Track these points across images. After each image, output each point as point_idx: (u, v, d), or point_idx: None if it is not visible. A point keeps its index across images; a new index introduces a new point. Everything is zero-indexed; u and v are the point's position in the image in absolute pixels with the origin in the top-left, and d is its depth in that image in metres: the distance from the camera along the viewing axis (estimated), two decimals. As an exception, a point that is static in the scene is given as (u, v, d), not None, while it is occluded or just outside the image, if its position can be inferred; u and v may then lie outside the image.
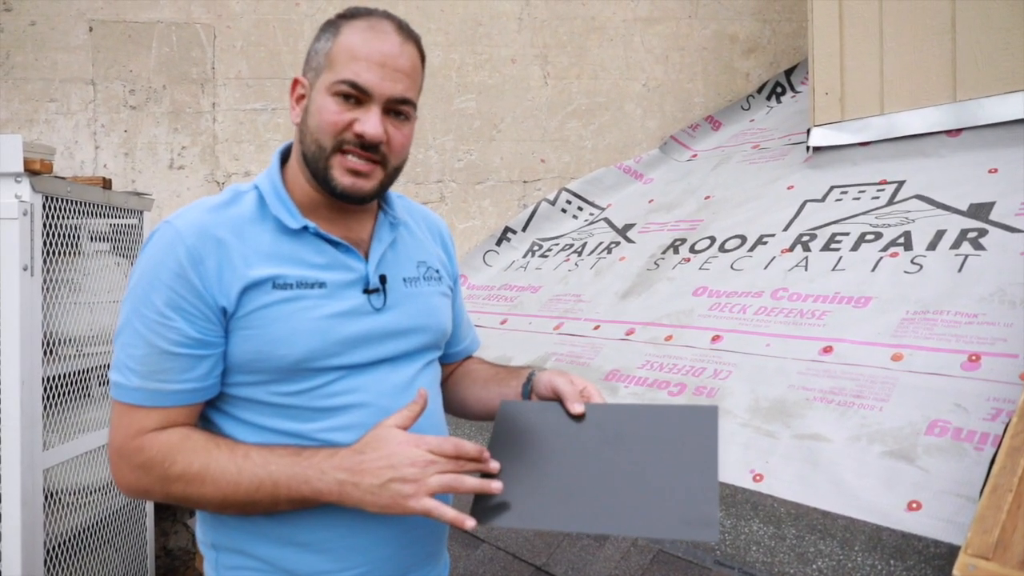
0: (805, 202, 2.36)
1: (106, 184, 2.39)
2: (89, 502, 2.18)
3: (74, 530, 2.08)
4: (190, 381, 0.85)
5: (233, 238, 0.87)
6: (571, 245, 3.06)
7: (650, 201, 3.09)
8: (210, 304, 0.84)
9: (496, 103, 3.37)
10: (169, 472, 0.83)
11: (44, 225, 1.92)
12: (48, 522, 1.93)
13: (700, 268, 2.32)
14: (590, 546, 1.50)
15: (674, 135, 3.47)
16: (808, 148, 2.58)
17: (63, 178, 2.07)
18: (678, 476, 0.83)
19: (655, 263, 2.52)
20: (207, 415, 0.91)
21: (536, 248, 3.21)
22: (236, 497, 0.83)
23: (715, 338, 1.95)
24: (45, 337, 1.93)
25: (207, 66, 3.14)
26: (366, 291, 0.93)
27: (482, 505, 0.85)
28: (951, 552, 1.15)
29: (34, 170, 1.84)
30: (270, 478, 0.82)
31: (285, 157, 0.98)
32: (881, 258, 1.90)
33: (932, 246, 1.85)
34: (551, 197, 3.35)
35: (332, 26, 0.91)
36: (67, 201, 2.03)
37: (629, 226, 2.94)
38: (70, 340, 2.11)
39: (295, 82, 0.94)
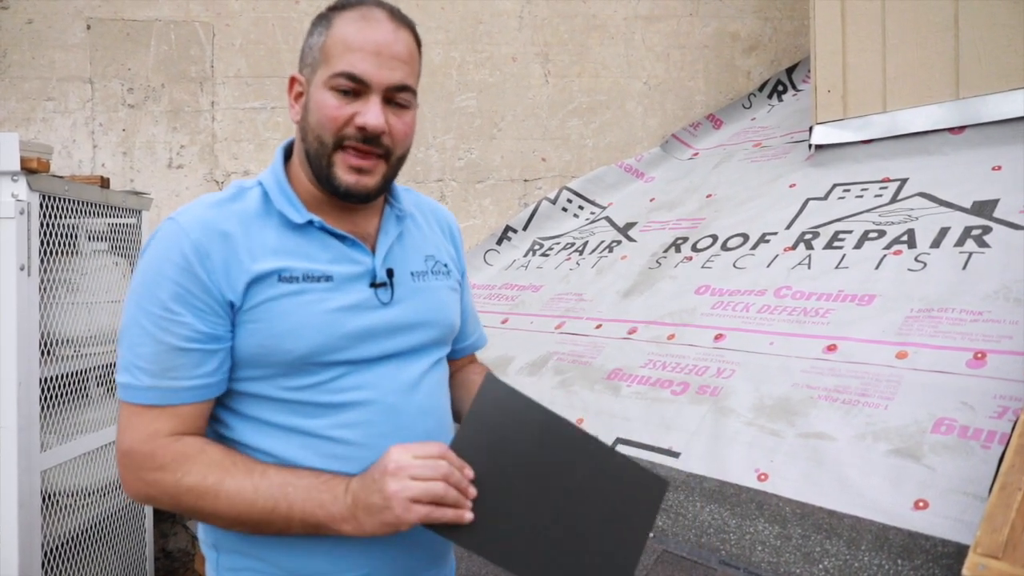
0: (807, 200, 2.35)
1: (104, 183, 2.38)
2: (87, 504, 2.16)
3: (72, 532, 2.06)
4: (201, 377, 0.84)
5: (239, 232, 0.86)
6: (572, 244, 3.04)
7: (651, 200, 3.07)
8: (217, 298, 0.83)
9: (497, 101, 3.36)
10: (181, 482, 0.81)
11: (41, 224, 1.90)
12: (45, 524, 1.92)
13: (702, 266, 2.31)
14: (593, 546, 1.48)
15: (675, 133, 3.46)
16: (810, 146, 2.57)
17: (60, 177, 2.06)
18: (611, 529, 0.87)
19: (657, 262, 2.51)
20: (215, 413, 0.90)
21: (537, 247, 3.19)
22: (250, 516, 0.81)
23: (718, 337, 1.94)
24: (42, 338, 1.92)
25: (206, 64, 3.12)
26: (373, 285, 0.91)
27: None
28: (959, 551, 1.14)
29: (31, 169, 1.83)
30: (286, 499, 0.81)
31: (288, 154, 0.97)
32: (885, 256, 1.89)
33: (936, 244, 1.84)
34: (552, 196, 3.34)
35: (324, 20, 0.90)
36: (64, 200, 2.01)
37: (630, 225, 2.92)
38: (68, 340, 2.09)
39: (292, 80, 0.92)
